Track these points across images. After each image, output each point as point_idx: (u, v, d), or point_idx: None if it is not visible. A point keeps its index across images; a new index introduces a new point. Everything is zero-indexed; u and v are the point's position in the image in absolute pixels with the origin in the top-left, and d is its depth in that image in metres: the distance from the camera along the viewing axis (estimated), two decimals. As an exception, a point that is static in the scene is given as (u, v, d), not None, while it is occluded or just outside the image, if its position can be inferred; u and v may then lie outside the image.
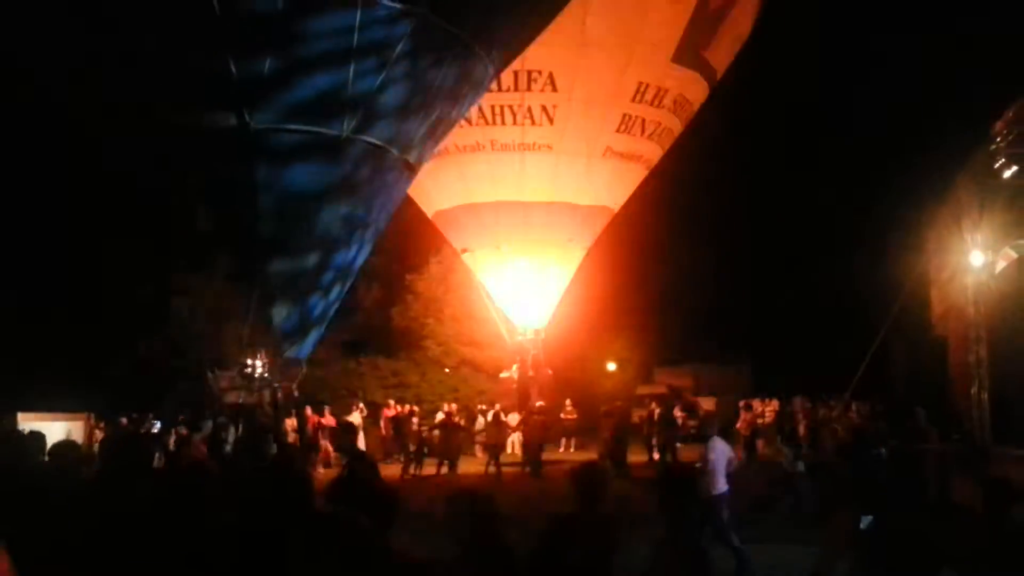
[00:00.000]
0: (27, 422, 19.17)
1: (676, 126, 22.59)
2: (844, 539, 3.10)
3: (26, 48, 9.24)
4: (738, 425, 25.11)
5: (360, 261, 9.82)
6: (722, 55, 21.67)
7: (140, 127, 8.95)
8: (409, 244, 32.54)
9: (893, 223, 23.84)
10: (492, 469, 20.89)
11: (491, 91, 20.15)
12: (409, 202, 24.00)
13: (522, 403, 24.00)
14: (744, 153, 37.40)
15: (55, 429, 18.21)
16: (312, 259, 9.25)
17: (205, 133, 8.68)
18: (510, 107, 20.78)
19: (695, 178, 32.64)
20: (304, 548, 3.11)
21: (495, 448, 21.67)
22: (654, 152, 22.78)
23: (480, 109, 20.46)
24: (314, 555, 2.84)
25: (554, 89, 20.53)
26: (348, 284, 9.93)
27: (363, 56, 8.34)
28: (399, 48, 8.46)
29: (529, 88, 20.52)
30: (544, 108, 20.83)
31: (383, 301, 36.60)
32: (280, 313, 9.49)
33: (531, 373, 24.63)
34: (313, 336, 9.71)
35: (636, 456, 21.71)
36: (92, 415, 23.27)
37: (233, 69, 8.23)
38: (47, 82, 9.77)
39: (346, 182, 9.02)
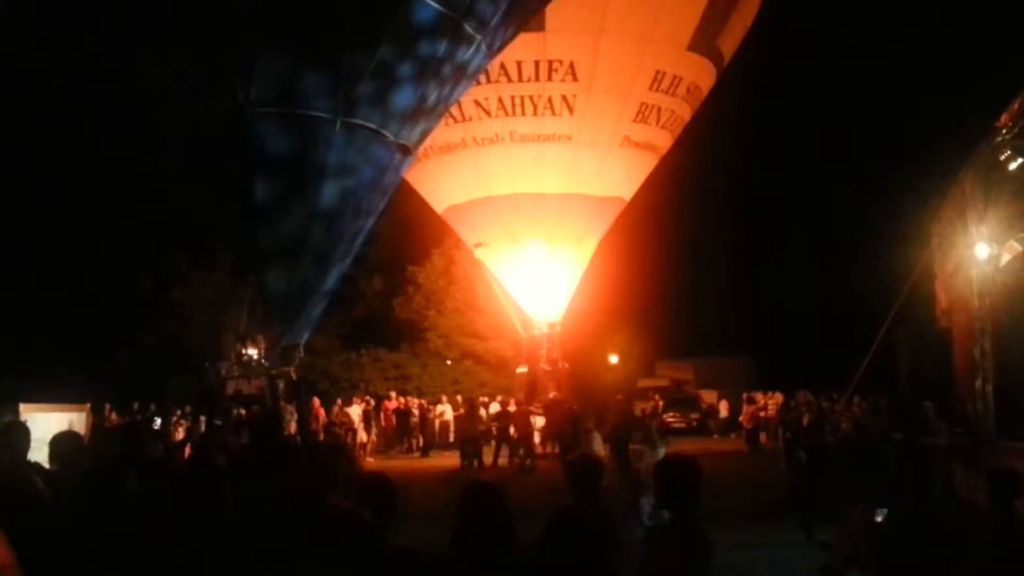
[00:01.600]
0: (29, 413, 19.12)
1: (687, 114, 22.53)
2: (859, 533, 3.02)
3: (25, 41, 9.17)
4: (741, 418, 25.07)
5: (348, 242, 9.71)
6: (730, 42, 21.61)
7: (137, 114, 8.87)
8: (411, 236, 32.50)
9: (897, 215, 23.73)
10: (499, 461, 20.87)
11: (512, 81, 20.10)
12: (411, 193, 23.87)
13: (536, 396, 23.87)
14: (747, 144, 37.27)
15: (57, 420, 18.15)
16: (304, 241, 9.16)
17: (199, 118, 8.60)
18: (530, 97, 20.64)
19: (700, 168, 32.53)
20: (306, 539, 3.03)
21: (469, 442, 21.72)
22: (666, 141, 22.73)
23: (500, 100, 20.42)
24: (315, 546, 2.77)
25: (575, 79, 20.38)
26: (343, 268, 9.84)
27: (355, 38, 8.26)
28: (390, 29, 8.39)
29: (550, 78, 20.36)
30: (564, 98, 20.68)
31: (385, 293, 36.60)
32: (276, 302, 9.40)
33: (547, 367, 24.50)
34: (301, 318, 9.58)
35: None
36: (108, 406, 23.28)
37: (226, 48, 8.15)
38: (44, 73, 9.70)
39: (340, 165, 8.94)
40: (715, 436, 29.49)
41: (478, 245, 24.12)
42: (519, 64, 19.83)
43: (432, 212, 25.14)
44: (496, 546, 3.74)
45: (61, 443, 7.16)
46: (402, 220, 28.47)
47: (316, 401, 26.28)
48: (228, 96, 8.19)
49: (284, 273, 9.23)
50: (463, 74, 9.66)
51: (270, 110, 8.36)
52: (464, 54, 9.20)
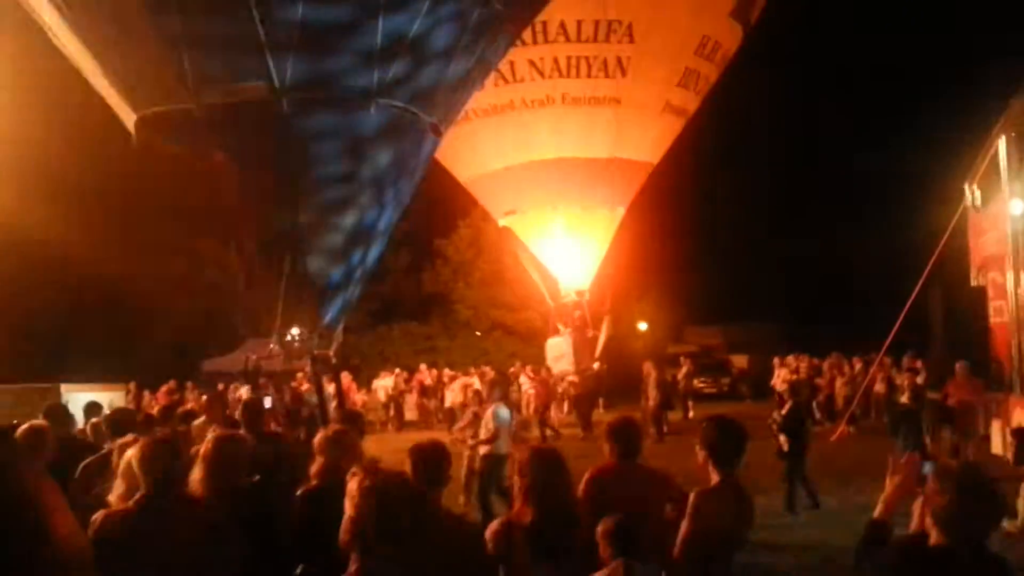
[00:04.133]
0: (70, 392, 19.50)
1: (715, 78, 22.40)
2: (909, 485, 3.06)
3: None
4: (772, 382, 25.05)
5: (385, 225, 9.81)
6: (758, 6, 21.45)
7: (167, 96, 8.96)
8: (437, 209, 32.54)
9: (930, 174, 23.46)
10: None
11: (570, 41, 19.97)
12: (436, 166, 23.82)
13: (578, 366, 23.95)
14: (775, 105, 36.87)
15: (97, 400, 18.48)
16: (340, 226, 9.27)
17: (235, 102, 8.68)
18: (587, 58, 20.44)
19: (727, 130, 32.23)
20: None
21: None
22: (695, 105, 22.60)
23: (556, 60, 20.26)
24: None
25: (631, 40, 20.19)
26: (375, 249, 9.92)
27: (387, 15, 8.27)
28: (421, 8, 8.38)
29: (608, 39, 20.17)
30: (619, 60, 20.39)
31: (412, 266, 36.77)
32: (312, 281, 9.53)
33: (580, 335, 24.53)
34: (339, 302, 9.72)
35: (672, 414, 21.82)
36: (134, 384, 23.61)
37: (261, 33, 8.20)
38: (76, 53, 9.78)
39: (371, 146, 9.01)
40: (747, 401, 29.49)
41: (509, 213, 23.98)
42: (579, 23, 19.73)
43: (457, 184, 25.08)
44: (560, 507, 3.83)
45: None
46: (427, 193, 28.47)
47: (347, 376, 26.45)
48: (264, 79, 8.26)
49: (323, 259, 9.34)
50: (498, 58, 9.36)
51: (305, 94, 8.42)
52: None
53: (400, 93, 8.85)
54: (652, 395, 21.12)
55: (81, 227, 26.98)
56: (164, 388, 22.65)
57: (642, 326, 42.15)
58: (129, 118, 9.61)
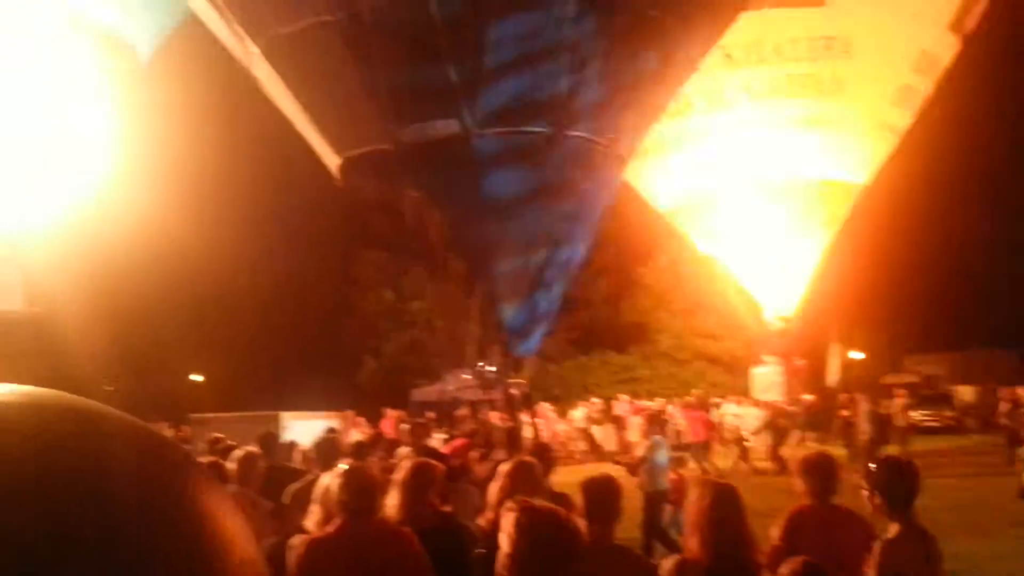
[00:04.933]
0: (291, 421, 20.79)
1: (930, 93, 21.06)
2: None
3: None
4: (996, 415, 23.04)
5: (579, 256, 9.94)
6: (974, 17, 20.06)
7: (367, 139, 9.51)
8: (635, 238, 32.37)
9: None
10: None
11: (786, 60, 19.44)
12: (632, 194, 23.77)
13: (787, 396, 23.03)
14: (996, 115, 34.06)
15: (318, 427, 19.58)
16: (532, 257, 9.46)
17: (431, 141, 9.09)
18: (801, 77, 19.78)
19: (947, 145, 30.06)
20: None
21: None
22: (907, 121, 21.33)
23: (771, 82, 19.73)
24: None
25: (849, 57, 19.47)
26: (569, 279, 10.07)
27: (565, 52, 8.43)
28: (599, 40, 8.49)
29: (824, 57, 19.48)
30: (836, 78, 19.68)
31: (611, 296, 36.71)
32: (506, 312, 9.77)
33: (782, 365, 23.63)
34: (538, 332, 9.92)
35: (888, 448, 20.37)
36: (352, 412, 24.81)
37: (453, 76, 8.56)
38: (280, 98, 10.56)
39: (559, 178, 9.17)
40: (972, 435, 27.21)
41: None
42: (793, 42, 19.15)
43: (654, 211, 24.89)
44: (731, 544, 3.67)
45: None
46: (625, 221, 28.42)
47: (545, 406, 26.34)
48: (456, 119, 8.62)
49: (513, 292, 9.58)
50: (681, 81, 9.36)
51: (495, 130, 8.71)
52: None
53: (584, 125, 8.96)
54: (864, 429, 19.86)
55: (299, 265, 28.99)
56: (390, 416, 23.58)
57: (855, 355, 39.97)
58: (333, 161, 10.28)
